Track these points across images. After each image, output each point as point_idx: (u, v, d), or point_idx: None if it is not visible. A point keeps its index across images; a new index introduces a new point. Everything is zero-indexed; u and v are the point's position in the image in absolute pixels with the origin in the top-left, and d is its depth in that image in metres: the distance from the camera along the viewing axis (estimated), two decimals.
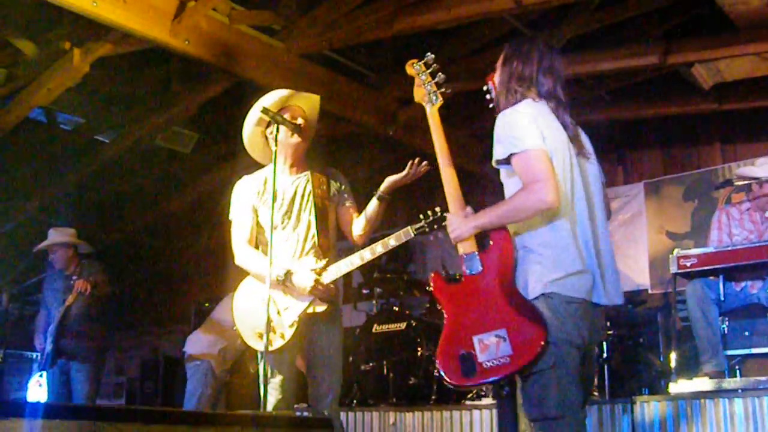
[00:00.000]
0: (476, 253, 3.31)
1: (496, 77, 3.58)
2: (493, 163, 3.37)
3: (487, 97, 3.71)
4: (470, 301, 3.26)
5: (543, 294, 3.15)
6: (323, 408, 4.29)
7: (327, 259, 4.34)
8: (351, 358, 7.19)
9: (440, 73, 3.79)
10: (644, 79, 7.86)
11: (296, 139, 4.48)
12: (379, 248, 4.26)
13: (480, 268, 3.29)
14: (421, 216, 4.28)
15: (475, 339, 3.14)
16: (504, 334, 3.12)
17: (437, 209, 4.21)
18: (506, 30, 7.18)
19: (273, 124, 4.42)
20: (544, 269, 3.18)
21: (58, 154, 9.12)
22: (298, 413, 3.97)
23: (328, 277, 4.31)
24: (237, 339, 7.02)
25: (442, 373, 3.21)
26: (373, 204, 4.52)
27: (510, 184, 3.36)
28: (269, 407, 4.24)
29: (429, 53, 3.88)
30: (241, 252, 4.52)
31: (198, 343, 7.08)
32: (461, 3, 6.33)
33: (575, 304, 3.16)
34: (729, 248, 5.66)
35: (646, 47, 6.93)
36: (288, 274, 4.29)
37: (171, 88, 8.09)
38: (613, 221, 8.56)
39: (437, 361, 3.24)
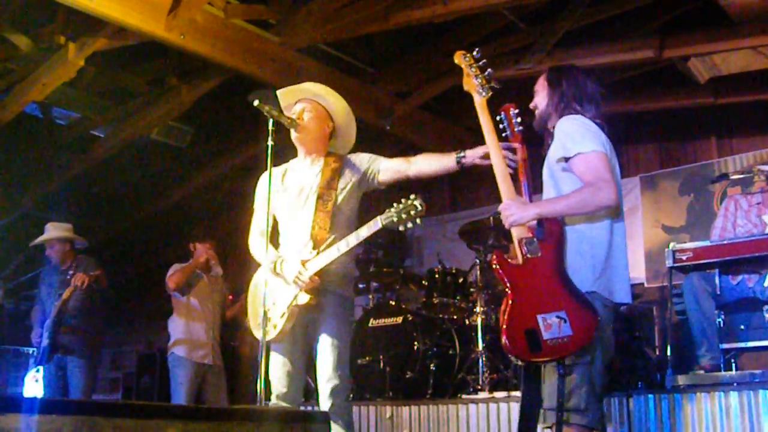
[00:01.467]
0: (535, 239, 3.47)
1: (542, 99, 3.81)
2: (558, 159, 3.56)
3: (501, 126, 3.85)
4: (531, 282, 3.44)
5: (595, 292, 3.41)
6: (327, 402, 4.26)
7: (316, 250, 4.30)
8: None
9: (489, 69, 3.93)
10: (640, 72, 7.87)
11: (293, 134, 4.50)
12: (352, 239, 4.21)
13: (539, 253, 3.45)
14: (394, 204, 4.10)
15: (540, 318, 3.31)
16: (564, 316, 3.31)
17: (412, 197, 4.05)
18: (502, 24, 7.18)
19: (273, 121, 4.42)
20: (599, 270, 3.45)
21: (54, 149, 9.11)
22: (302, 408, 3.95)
23: (311, 268, 4.29)
24: (209, 320, 7.09)
25: (510, 348, 3.35)
26: (446, 160, 4.37)
27: (562, 179, 3.57)
28: (272, 401, 4.25)
29: (477, 49, 3.99)
30: (251, 242, 4.59)
31: (172, 333, 7.08)
32: None
33: (616, 305, 3.49)
34: (725, 242, 5.67)
35: (642, 41, 6.93)
36: (277, 263, 4.31)
37: (166, 83, 8.08)
38: None
39: (503, 337, 3.35)
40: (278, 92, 4.63)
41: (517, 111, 3.94)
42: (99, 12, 5.67)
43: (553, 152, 3.60)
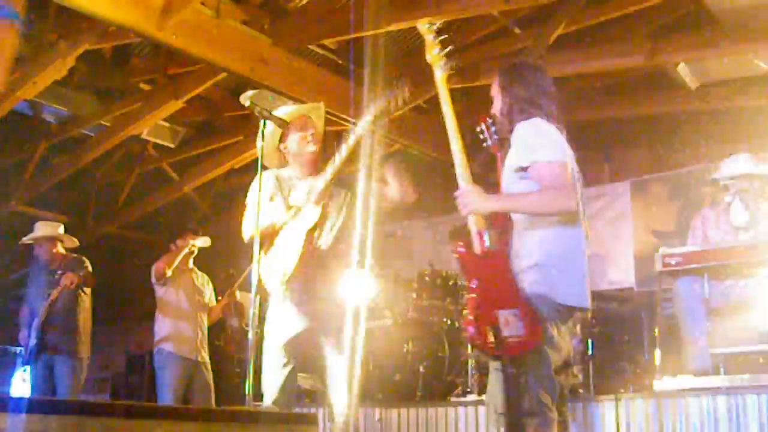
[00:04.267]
0: (492, 230, 3.41)
1: (497, 104, 3.68)
2: (514, 169, 3.45)
3: (481, 137, 3.79)
4: (491, 276, 3.37)
5: (545, 296, 3.30)
6: (344, 408, 4.29)
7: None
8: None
9: (451, 46, 3.79)
10: (631, 77, 7.89)
11: (311, 148, 4.52)
12: (350, 138, 4.23)
13: (496, 246, 3.39)
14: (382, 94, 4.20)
15: (500, 313, 3.24)
16: (518, 314, 3.24)
17: (397, 83, 4.15)
18: (495, 27, 7.20)
19: (284, 137, 4.50)
20: (549, 273, 3.32)
21: (44, 148, 9.08)
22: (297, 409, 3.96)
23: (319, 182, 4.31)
24: (196, 317, 7.08)
25: (476, 341, 3.26)
26: None
27: (521, 187, 3.45)
28: (266, 403, 4.24)
29: (442, 21, 3.88)
30: (246, 226, 4.51)
31: (158, 331, 7.06)
32: (451, 0, 6.33)
33: (569, 309, 3.33)
34: (714, 247, 5.69)
35: (632, 46, 6.97)
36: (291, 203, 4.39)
37: (157, 83, 8.06)
38: (599, 219, 8.59)
39: (470, 328, 3.26)
40: (294, 107, 4.62)
41: (492, 121, 3.88)
42: (91, 11, 5.66)
43: (510, 160, 3.50)
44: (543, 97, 3.58)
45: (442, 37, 3.81)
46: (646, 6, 6.80)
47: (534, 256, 3.35)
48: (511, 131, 3.54)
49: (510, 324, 3.21)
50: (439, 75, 3.77)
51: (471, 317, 3.28)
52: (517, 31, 7.33)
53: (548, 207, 3.32)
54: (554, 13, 6.89)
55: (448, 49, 3.78)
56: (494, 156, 3.85)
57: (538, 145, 3.37)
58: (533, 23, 7.11)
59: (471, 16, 6.71)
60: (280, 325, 4.41)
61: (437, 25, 3.85)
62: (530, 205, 3.40)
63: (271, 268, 4.41)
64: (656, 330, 6.51)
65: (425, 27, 3.87)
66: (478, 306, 3.29)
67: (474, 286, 3.35)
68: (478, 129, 3.82)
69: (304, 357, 4.47)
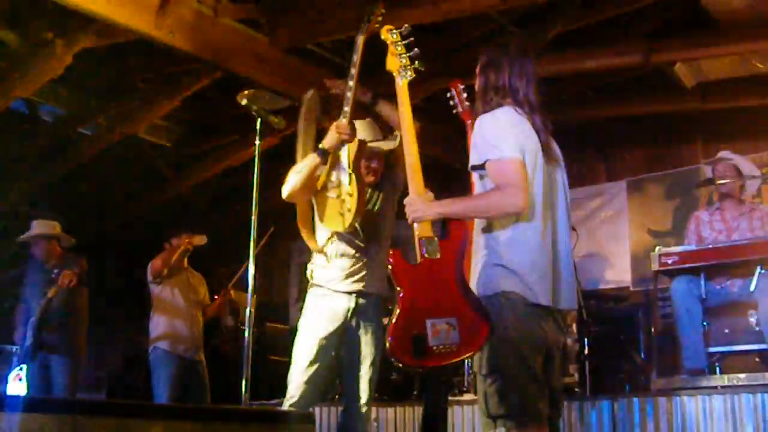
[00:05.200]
0: (436, 238, 3.33)
1: (476, 85, 3.57)
2: (468, 168, 3.37)
3: (450, 103, 3.71)
4: (426, 285, 3.28)
5: (502, 292, 3.19)
6: (364, 408, 4.31)
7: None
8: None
9: (416, 48, 3.72)
10: (628, 77, 7.90)
11: (369, 179, 4.48)
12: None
13: (438, 255, 3.31)
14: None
15: (428, 322, 3.17)
16: (454, 323, 3.17)
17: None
18: (491, 27, 7.19)
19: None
20: (506, 270, 3.21)
21: (40, 146, 9.06)
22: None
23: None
24: (192, 315, 7.08)
25: (393, 352, 3.20)
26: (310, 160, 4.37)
27: (481, 187, 3.37)
28: (291, 401, 4.22)
29: (406, 24, 3.79)
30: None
31: (153, 330, 7.06)
32: None
33: (535, 306, 3.19)
34: (710, 246, 5.71)
35: (629, 46, 6.96)
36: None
37: (154, 81, 8.05)
38: (595, 219, 8.60)
39: (388, 339, 3.21)
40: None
41: (463, 87, 3.79)
42: (87, 9, 5.64)
43: (470, 156, 3.38)
44: (518, 81, 3.43)
45: (406, 42, 3.75)
46: (642, 6, 6.81)
47: (492, 255, 3.26)
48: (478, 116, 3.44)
49: (440, 333, 3.16)
50: (400, 82, 3.72)
51: (391, 329, 3.22)
52: (513, 30, 7.32)
53: (493, 209, 3.22)
54: (551, 13, 6.88)
55: (412, 53, 3.71)
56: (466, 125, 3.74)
57: (492, 141, 3.25)
58: (529, 23, 7.10)
59: (467, 16, 6.69)
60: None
61: (401, 30, 3.78)
62: (474, 208, 3.33)
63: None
64: (652, 329, 6.53)
65: (388, 33, 3.82)
66: (400, 318, 3.23)
67: (400, 296, 3.28)
68: (448, 95, 3.74)
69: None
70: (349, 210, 4.15)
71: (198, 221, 9.82)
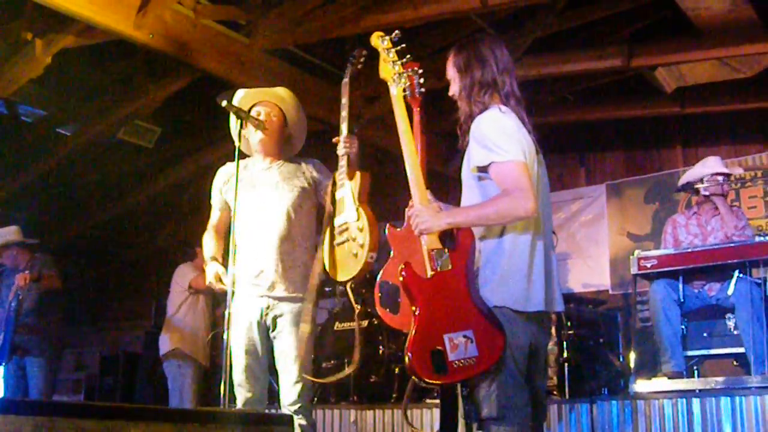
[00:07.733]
0: (446, 250, 3.23)
1: (454, 85, 3.49)
2: (472, 168, 3.30)
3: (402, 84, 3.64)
4: (440, 298, 3.17)
5: (498, 306, 3.16)
6: (293, 406, 4.27)
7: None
8: (312, 356, 7.16)
9: (408, 55, 3.64)
10: (608, 81, 7.93)
11: (259, 135, 4.48)
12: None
13: (450, 266, 3.20)
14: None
15: (446, 337, 3.08)
16: (471, 336, 3.09)
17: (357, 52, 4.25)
18: (472, 29, 7.19)
19: (240, 121, 4.40)
20: (503, 279, 3.19)
21: (19, 147, 9.00)
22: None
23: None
24: (207, 325, 7.14)
25: (414, 370, 3.10)
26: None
27: (479, 188, 3.31)
28: (238, 406, 4.24)
29: (396, 30, 3.70)
30: (205, 235, 4.63)
31: (166, 342, 7.14)
32: (428, 2, 6.34)
33: (527, 313, 3.18)
34: (689, 250, 5.74)
35: (610, 50, 6.99)
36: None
37: (134, 82, 8.02)
38: (574, 222, 8.63)
39: (408, 355, 3.10)
40: (243, 91, 4.60)
41: (420, 71, 3.72)
42: (67, 9, 5.61)
43: (470, 156, 3.31)
44: (502, 75, 3.38)
45: (398, 48, 3.66)
46: (623, 10, 6.85)
47: (495, 266, 3.21)
48: (470, 116, 3.35)
49: (458, 347, 3.08)
50: (395, 90, 3.62)
51: (409, 346, 3.11)
52: (493, 33, 7.34)
53: (506, 215, 3.15)
54: (531, 16, 6.91)
55: (403, 60, 3.63)
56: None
57: (496, 142, 3.18)
58: (510, 26, 7.12)
59: (446, 19, 6.71)
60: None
61: (392, 36, 3.69)
62: (486, 215, 3.20)
63: None
64: (631, 332, 6.56)
65: (378, 40, 3.73)
66: (417, 334, 3.13)
67: (417, 314, 3.17)
68: (401, 73, 3.66)
69: None
70: (362, 246, 4.02)
71: (179, 222, 9.82)
